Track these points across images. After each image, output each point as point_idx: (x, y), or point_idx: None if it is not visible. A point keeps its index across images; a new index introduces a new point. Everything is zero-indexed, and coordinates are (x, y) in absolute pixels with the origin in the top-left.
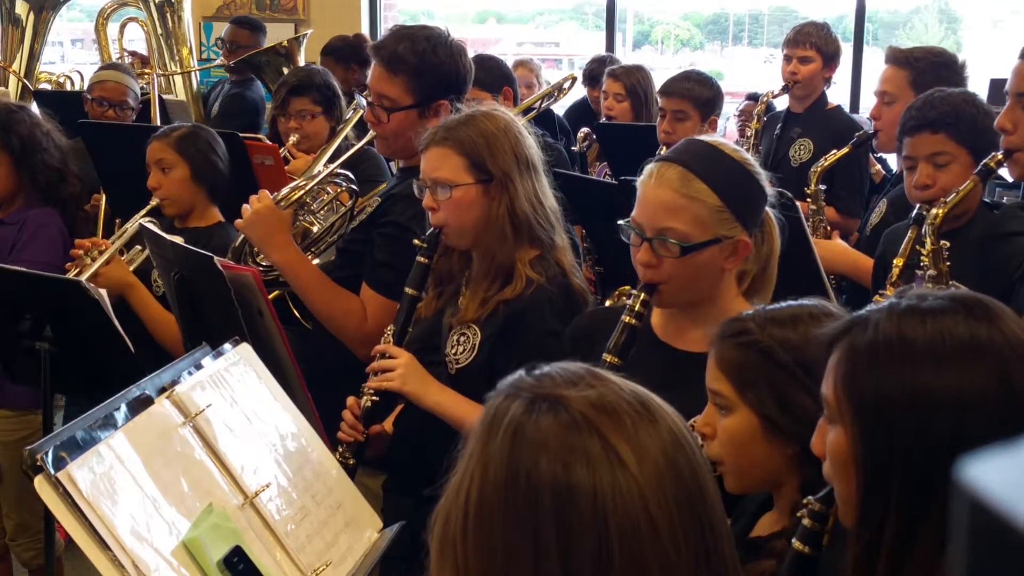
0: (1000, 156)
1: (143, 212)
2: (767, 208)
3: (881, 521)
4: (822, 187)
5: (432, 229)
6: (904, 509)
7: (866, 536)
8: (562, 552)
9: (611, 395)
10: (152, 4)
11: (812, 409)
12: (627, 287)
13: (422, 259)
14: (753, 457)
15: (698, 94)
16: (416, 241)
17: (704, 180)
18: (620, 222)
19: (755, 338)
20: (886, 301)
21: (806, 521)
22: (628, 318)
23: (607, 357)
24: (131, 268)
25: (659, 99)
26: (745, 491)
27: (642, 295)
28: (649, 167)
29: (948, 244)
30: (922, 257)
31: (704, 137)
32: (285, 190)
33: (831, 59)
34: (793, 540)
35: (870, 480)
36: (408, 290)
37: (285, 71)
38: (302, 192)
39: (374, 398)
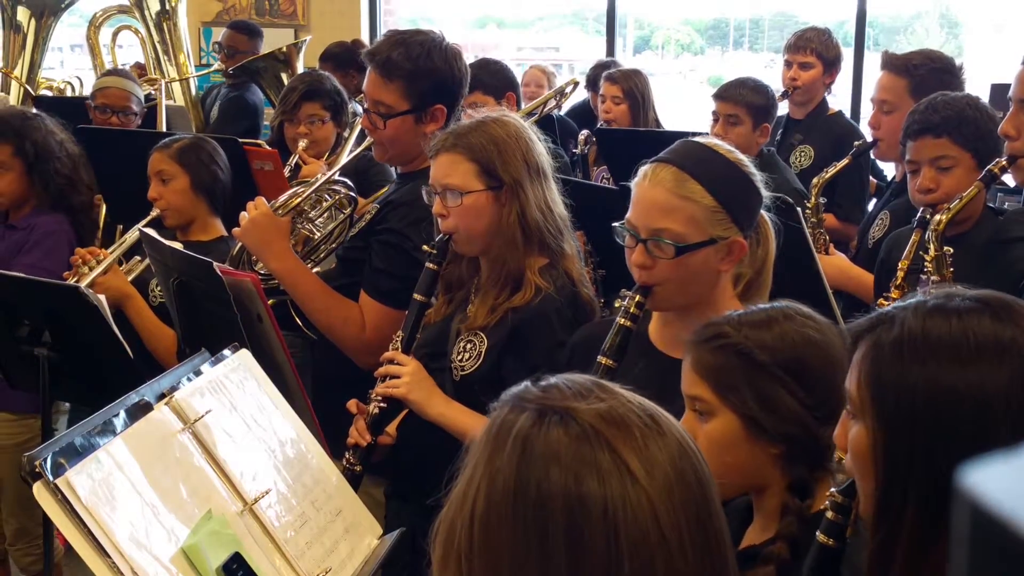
0: (1004, 162)
1: (144, 222)
2: (762, 211)
3: (899, 518)
4: (822, 200)
5: (441, 235)
6: (922, 507)
7: (883, 532)
8: (571, 563)
9: (620, 407)
10: (148, 13)
11: (795, 408)
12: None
13: (431, 266)
14: (737, 460)
15: (752, 100)
16: (425, 247)
17: (698, 180)
18: (615, 224)
19: (733, 340)
20: (913, 299)
21: (829, 514)
22: (622, 320)
23: (602, 359)
24: (129, 279)
25: (713, 102)
26: (728, 496)
27: (637, 297)
28: (643, 168)
29: (952, 250)
30: (925, 263)
31: (699, 138)
32: (283, 197)
33: (832, 65)
34: (818, 533)
35: (889, 476)
36: (417, 296)
37: (283, 77)
38: (300, 199)
39: (382, 405)
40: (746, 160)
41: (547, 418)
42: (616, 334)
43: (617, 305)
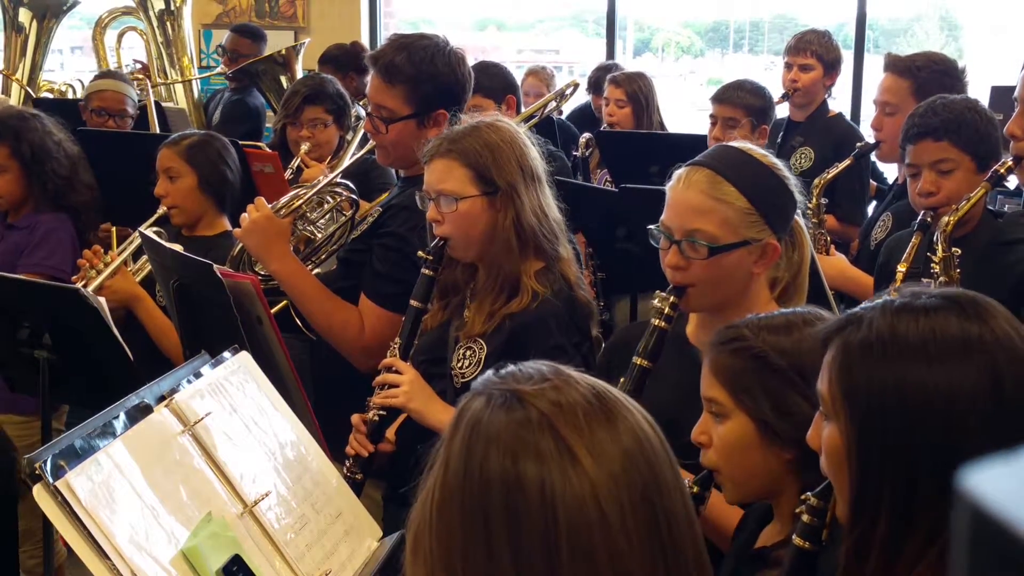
0: (1010, 163)
1: (151, 220)
2: (797, 217)
3: (874, 515)
4: (823, 201)
5: (436, 241)
6: (896, 504)
7: (859, 530)
8: (511, 542)
9: (571, 392)
10: (152, 13)
11: (809, 414)
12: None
13: (427, 271)
14: (750, 464)
15: (750, 103)
16: (421, 253)
17: (733, 183)
18: (650, 227)
19: (749, 344)
20: (881, 300)
21: (805, 517)
22: (657, 321)
23: (637, 360)
24: (138, 279)
25: (711, 105)
26: (744, 499)
27: (671, 298)
28: (679, 171)
29: (959, 251)
30: (933, 264)
31: (734, 143)
32: (284, 199)
33: (832, 67)
34: (793, 536)
35: (863, 475)
36: (413, 302)
37: (283, 79)
38: (301, 201)
39: (381, 413)
40: (780, 164)
41: (494, 402)
42: (651, 335)
43: (652, 307)
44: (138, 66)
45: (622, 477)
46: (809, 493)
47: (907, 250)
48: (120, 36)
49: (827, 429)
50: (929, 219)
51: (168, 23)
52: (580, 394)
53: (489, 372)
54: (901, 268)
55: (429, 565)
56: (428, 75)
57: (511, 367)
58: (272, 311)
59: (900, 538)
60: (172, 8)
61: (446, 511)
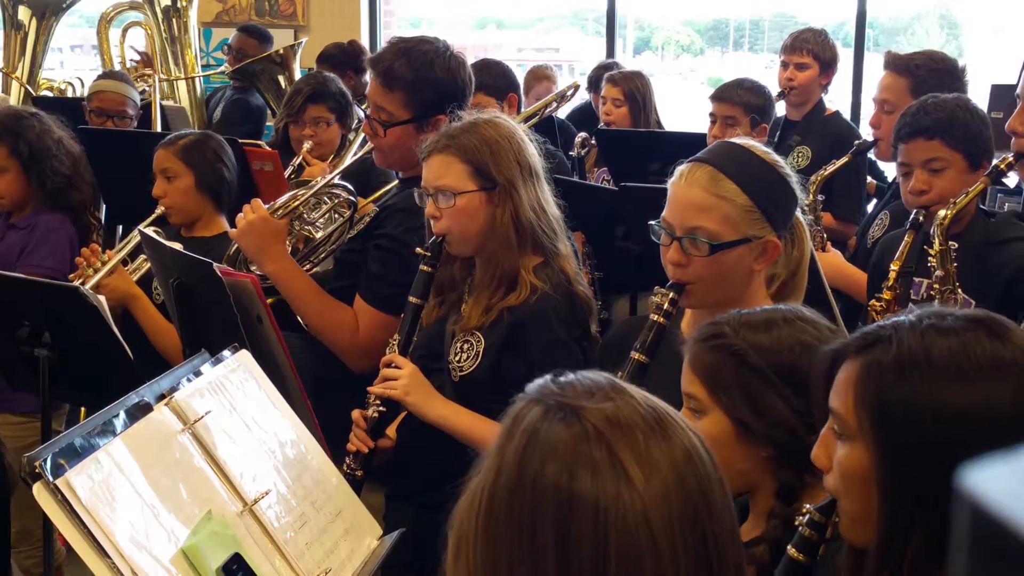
0: (1011, 159)
1: (149, 220)
2: (797, 214)
3: (905, 539)
4: (820, 197)
5: (435, 237)
6: (928, 526)
7: (892, 552)
8: (559, 559)
9: (627, 409)
10: (158, 9)
11: (785, 413)
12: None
13: (425, 268)
14: (726, 460)
15: (749, 101)
16: (419, 250)
17: (734, 180)
18: (651, 222)
19: (728, 341)
20: (905, 319)
21: (804, 530)
22: (657, 317)
23: (635, 355)
24: (135, 278)
25: (711, 104)
26: None
27: (671, 294)
28: (680, 168)
29: (956, 245)
30: (930, 258)
31: (736, 139)
32: (282, 200)
33: (828, 66)
34: (789, 548)
35: (895, 498)
36: (412, 299)
37: (280, 79)
38: (298, 202)
39: (381, 409)
40: (782, 161)
41: (553, 414)
42: (650, 330)
43: (651, 302)
44: (138, 58)
45: (675, 500)
46: (810, 506)
47: (900, 249)
48: (124, 31)
49: (844, 449)
50: (922, 218)
51: (174, 19)
52: (639, 413)
53: (547, 378)
54: (894, 267)
55: (472, 572)
56: (427, 81)
57: (570, 376)
58: (268, 302)
59: (931, 561)
60: (179, 6)
61: (493, 520)
